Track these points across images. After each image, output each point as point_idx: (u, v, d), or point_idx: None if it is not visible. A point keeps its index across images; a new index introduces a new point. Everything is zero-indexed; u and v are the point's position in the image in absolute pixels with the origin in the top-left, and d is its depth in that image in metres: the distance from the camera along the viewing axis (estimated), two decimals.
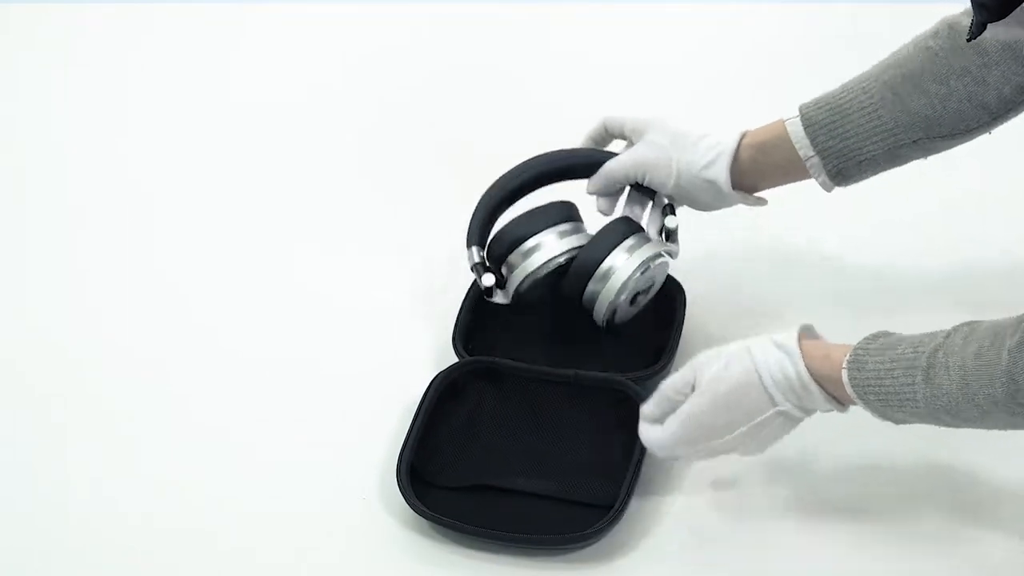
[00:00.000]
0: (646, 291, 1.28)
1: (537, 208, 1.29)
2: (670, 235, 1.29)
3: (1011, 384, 1.03)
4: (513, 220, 1.29)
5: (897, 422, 1.11)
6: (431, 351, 1.33)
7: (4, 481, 1.25)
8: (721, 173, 1.25)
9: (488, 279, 1.26)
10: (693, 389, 1.14)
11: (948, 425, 1.09)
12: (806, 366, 1.11)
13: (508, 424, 1.26)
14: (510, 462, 1.23)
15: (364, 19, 1.78)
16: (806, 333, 1.13)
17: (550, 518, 1.19)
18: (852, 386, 1.10)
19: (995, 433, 1.09)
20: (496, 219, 1.30)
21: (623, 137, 1.31)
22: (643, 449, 1.19)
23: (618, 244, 1.25)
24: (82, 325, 1.40)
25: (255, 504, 1.22)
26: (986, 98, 1.17)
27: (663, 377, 1.27)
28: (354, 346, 1.36)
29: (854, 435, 1.24)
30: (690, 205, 1.30)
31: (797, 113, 1.24)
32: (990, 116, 1.19)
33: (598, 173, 1.29)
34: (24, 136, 1.64)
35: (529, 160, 1.32)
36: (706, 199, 1.28)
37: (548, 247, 1.26)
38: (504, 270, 1.27)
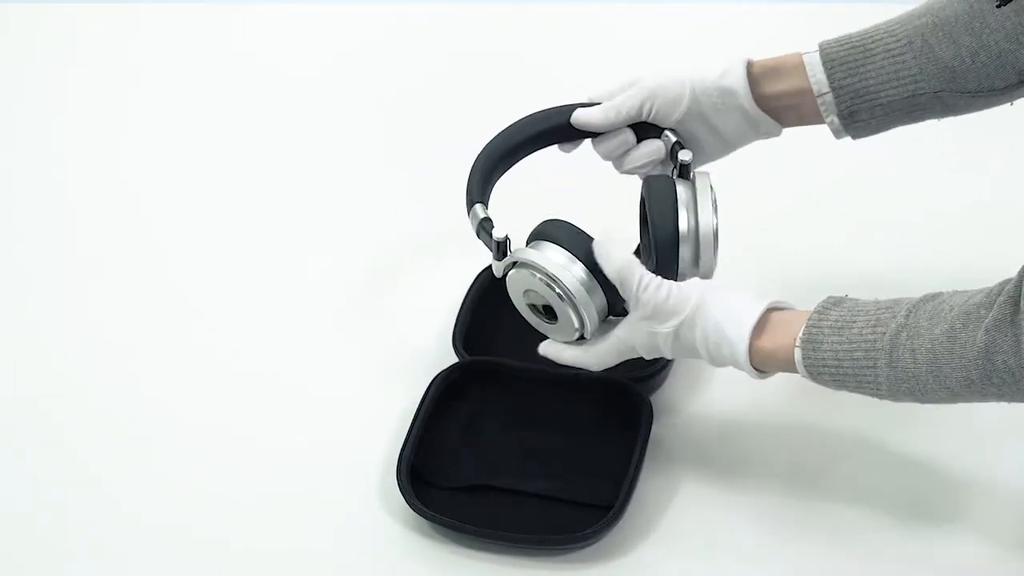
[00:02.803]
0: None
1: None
2: (684, 170, 1.20)
3: (988, 364, 1.01)
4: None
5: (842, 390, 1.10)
6: (431, 351, 1.33)
7: (4, 481, 1.25)
8: (739, 80, 1.19)
9: (500, 232, 1.16)
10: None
11: (903, 402, 1.08)
12: (750, 362, 1.11)
13: (508, 424, 1.26)
14: (510, 462, 1.23)
15: (364, 19, 1.78)
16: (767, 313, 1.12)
17: (550, 518, 1.19)
18: (805, 366, 1.09)
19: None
20: (497, 175, 1.24)
21: None
22: (643, 449, 1.20)
23: (676, 202, 1.17)
24: (83, 324, 1.40)
25: (255, 504, 1.22)
26: (1018, 58, 1.12)
27: (663, 377, 1.28)
28: (354, 346, 1.36)
29: (857, 438, 1.25)
30: (700, 139, 1.23)
31: (816, 48, 1.19)
32: (1018, 78, 1.14)
33: (601, 106, 1.23)
34: (24, 136, 1.64)
35: (530, 116, 1.26)
36: (720, 123, 1.21)
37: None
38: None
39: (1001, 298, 1.01)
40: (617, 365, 1.27)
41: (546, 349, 1.20)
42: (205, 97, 1.69)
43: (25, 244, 1.50)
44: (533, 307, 1.18)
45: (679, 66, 1.22)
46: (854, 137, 1.21)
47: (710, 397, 1.29)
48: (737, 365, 1.12)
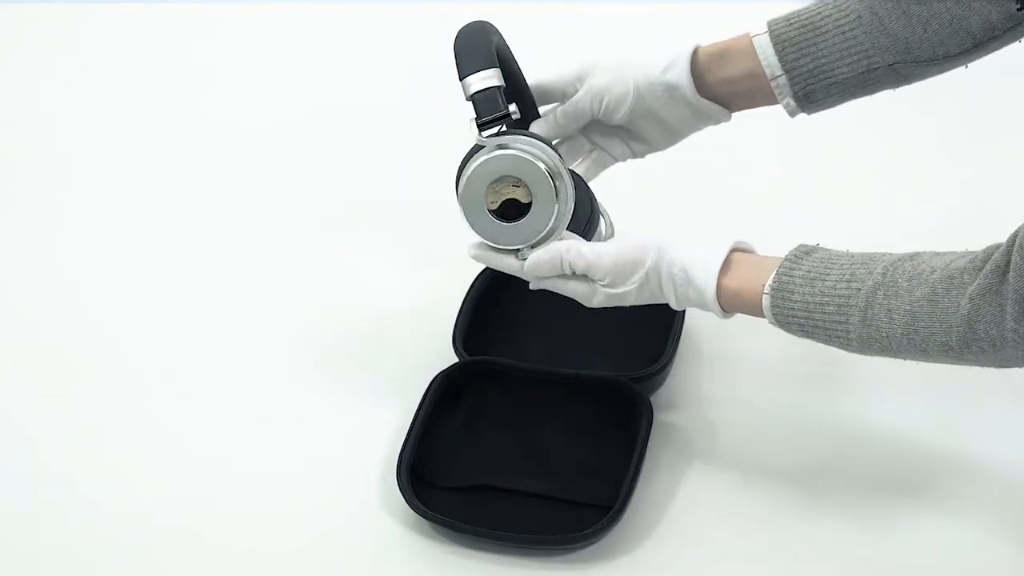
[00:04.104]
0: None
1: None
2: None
3: (969, 332, 1.00)
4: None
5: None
6: (431, 351, 1.33)
7: (4, 481, 1.25)
8: (682, 74, 1.17)
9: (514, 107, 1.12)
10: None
11: (870, 355, 1.07)
12: (718, 299, 1.10)
13: (508, 424, 1.26)
14: (510, 462, 1.23)
15: (365, 19, 1.78)
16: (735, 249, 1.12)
17: (550, 518, 1.19)
18: (774, 314, 1.08)
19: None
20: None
21: (568, 95, 1.22)
22: (643, 449, 1.20)
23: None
24: (83, 324, 1.40)
25: (255, 504, 1.22)
26: (970, 23, 1.10)
27: (663, 377, 1.28)
28: (354, 346, 1.36)
29: (858, 436, 1.25)
30: (648, 132, 1.22)
31: (765, 29, 1.17)
32: (972, 42, 1.11)
33: (548, 117, 1.21)
34: (23, 136, 1.64)
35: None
36: (667, 115, 1.20)
37: None
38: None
39: (988, 266, 1.00)
40: (617, 365, 1.27)
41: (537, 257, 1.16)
42: (205, 97, 1.69)
43: (25, 244, 1.50)
44: (495, 204, 1.15)
45: (625, 59, 1.20)
46: (809, 113, 1.19)
47: (710, 397, 1.29)
48: (704, 305, 1.12)
